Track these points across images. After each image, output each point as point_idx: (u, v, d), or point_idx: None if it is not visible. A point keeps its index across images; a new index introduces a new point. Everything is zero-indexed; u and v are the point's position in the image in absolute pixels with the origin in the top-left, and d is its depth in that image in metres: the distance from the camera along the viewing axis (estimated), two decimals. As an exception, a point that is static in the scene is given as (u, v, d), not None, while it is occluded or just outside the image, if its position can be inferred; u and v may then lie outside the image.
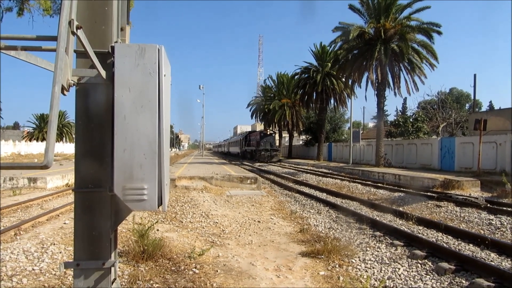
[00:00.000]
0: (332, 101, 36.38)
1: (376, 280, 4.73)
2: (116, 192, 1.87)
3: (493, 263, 5.23)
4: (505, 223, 7.80)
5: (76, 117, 2.03)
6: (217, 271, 4.78)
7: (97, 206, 2.00)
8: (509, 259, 5.50)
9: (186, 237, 6.38)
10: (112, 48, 1.95)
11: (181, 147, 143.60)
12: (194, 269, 4.72)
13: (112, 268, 2.05)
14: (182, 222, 7.62)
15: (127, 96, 1.88)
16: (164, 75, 1.97)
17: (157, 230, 6.47)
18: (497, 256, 5.68)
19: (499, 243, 6.13)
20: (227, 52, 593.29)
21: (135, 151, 1.88)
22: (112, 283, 2.08)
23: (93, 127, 2.01)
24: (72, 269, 2.01)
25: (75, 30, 1.50)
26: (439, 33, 21.60)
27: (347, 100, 35.40)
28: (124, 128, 1.87)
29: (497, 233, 7.29)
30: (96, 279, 2.00)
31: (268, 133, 42.34)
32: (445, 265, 5.05)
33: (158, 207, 1.95)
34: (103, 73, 1.88)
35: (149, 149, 1.90)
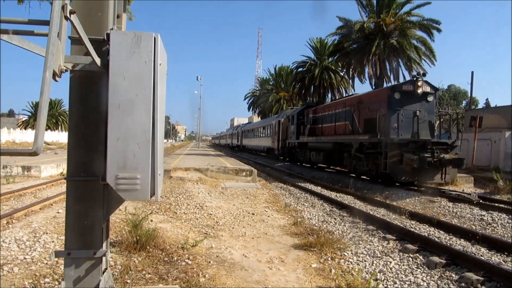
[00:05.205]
0: (329, 95, 36.34)
1: (367, 273, 4.78)
2: (109, 181, 1.86)
3: (483, 258, 5.30)
4: (496, 219, 7.89)
5: (70, 104, 2.00)
6: (209, 262, 4.79)
7: (89, 195, 1.99)
8: (499, 254, 5.58)
9: (180, 228, 6.39)
10: (108, 35, 1.92)
11: (177, 138, 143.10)
12: (187, 260, 4.73)
13: (104, 258, 2.04)
14: (176, 213, 7.62)
15: (122, 85, 1.86)
16: (160, 64, 1.94)
17: (151, 220, 6.46)
18: (487, 251, 5.75)
19: (489, 238, 6.21)
20: (226, 44, 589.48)
21: (129, 140, 1.86)
22: (103, 272, 2.07)
23: (87, 115, 1.99)
24: (63, 258, 2.00)
25: (68, 15, 1.47)
26: (439, 30, 21.63)
27: (344, 94, 35.38)
28: (118, 117, 1.85)
29: (488, 229, 7.38)
30: (87, 269, 1.99)
31: (420, 91, 12.02)
32: (436, 259, 5.11)
33: (151, 197, 1.94)
34: (98, 60, 1.85)
35: (143, 138, 1.88)
